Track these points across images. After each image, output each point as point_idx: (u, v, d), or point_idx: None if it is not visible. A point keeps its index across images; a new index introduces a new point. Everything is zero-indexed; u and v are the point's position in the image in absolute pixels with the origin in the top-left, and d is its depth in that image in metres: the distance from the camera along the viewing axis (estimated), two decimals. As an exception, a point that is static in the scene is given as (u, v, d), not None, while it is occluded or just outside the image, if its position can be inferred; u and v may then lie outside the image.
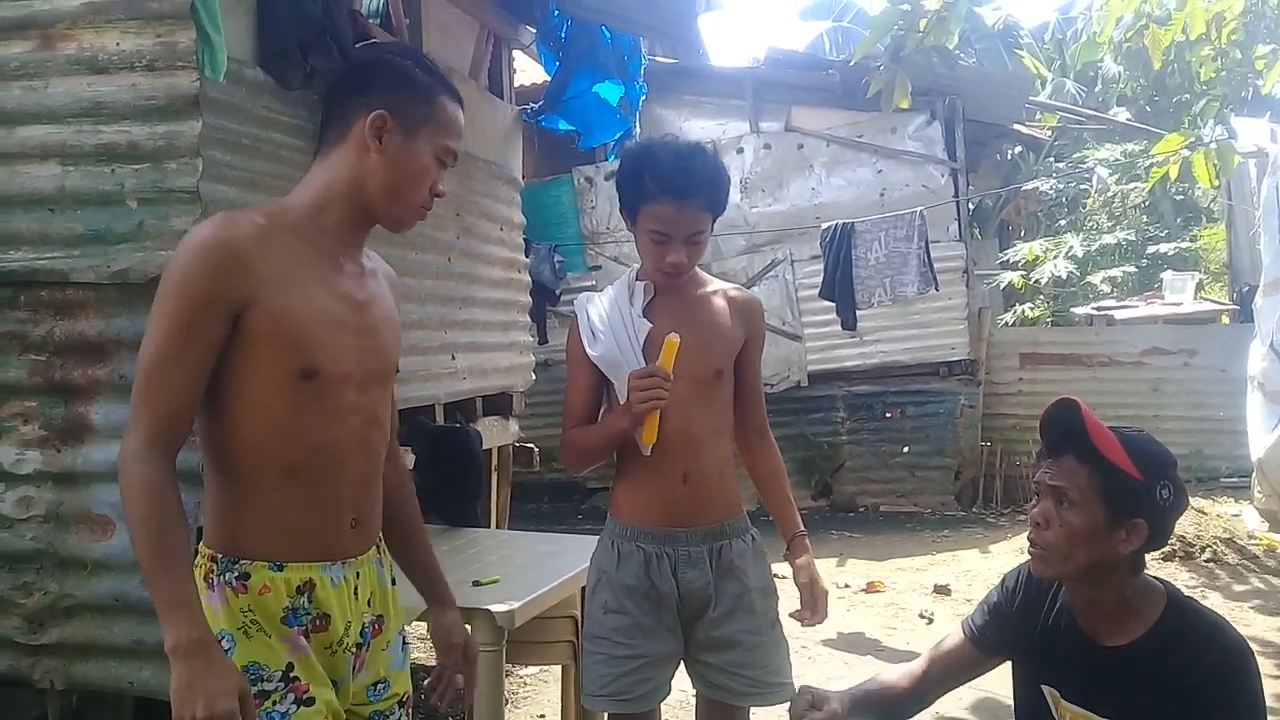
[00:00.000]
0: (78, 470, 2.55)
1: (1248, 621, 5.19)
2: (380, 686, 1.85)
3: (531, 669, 4.60)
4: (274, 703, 1.65)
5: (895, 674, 2.24)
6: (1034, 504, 2.01)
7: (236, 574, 1.65)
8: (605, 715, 2.52)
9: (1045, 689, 2.13)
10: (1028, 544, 2.01)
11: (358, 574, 1.79)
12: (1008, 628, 2.19)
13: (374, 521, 1.84)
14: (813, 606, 2.49)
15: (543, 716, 4.17)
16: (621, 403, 2.34)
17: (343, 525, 1.75)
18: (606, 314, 2.41)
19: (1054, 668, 2.11)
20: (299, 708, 1.67)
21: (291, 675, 1.67)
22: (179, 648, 1.54)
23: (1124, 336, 9.25)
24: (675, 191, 2.28)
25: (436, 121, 1.77)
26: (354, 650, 1.78)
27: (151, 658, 2.46)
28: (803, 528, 2.57)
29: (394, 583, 1.92)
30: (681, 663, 2.47)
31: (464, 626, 2.04)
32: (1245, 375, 7.29)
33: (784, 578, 2.49)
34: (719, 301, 2.48)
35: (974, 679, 2.29)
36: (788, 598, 2.54)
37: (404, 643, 1.95)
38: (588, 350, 2.40)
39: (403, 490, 2.00)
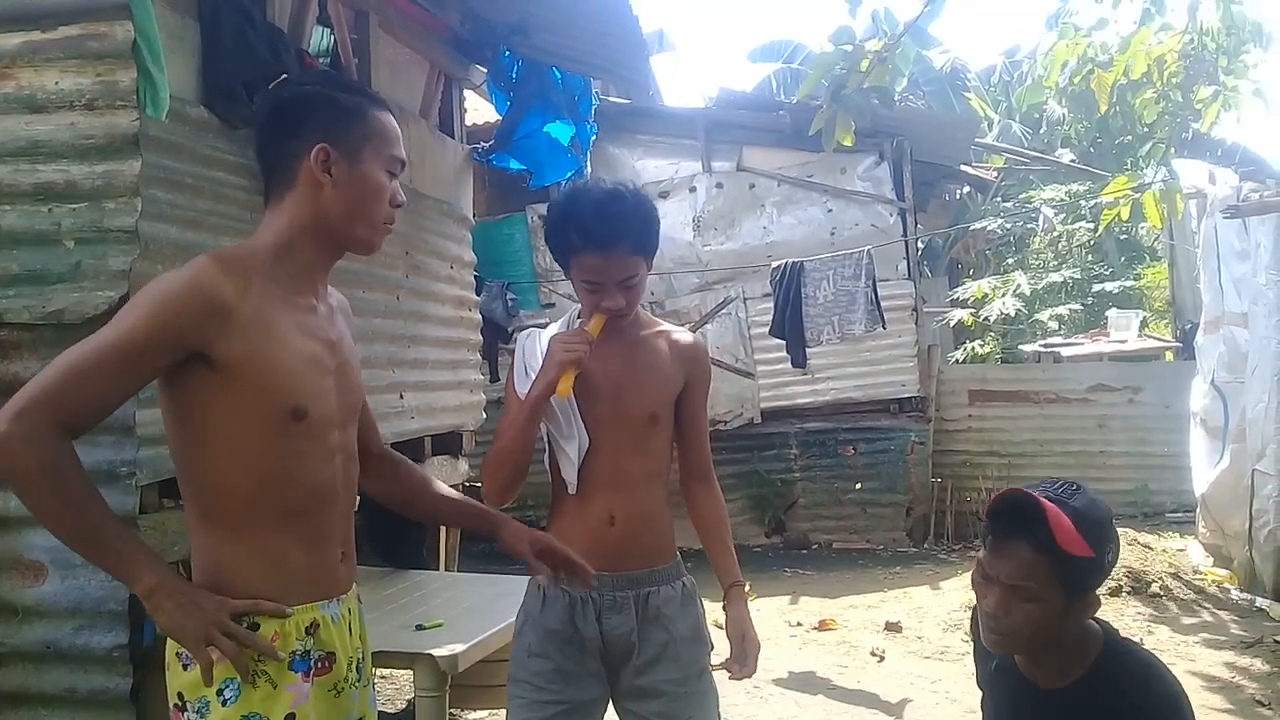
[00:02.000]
0: (10, 515, 2.49)
1: (1194, 656, 5.25)
2: None
3: (479, 713, 4.55)
4: None
5: None
6: (982, 590, 1.97)
7: (246, 624, 1.64)
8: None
9: None
10: (984, 629, 1.98)
11: (349, 610, 1.81)
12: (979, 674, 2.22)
13: (354, 553, 1.86)
14: (742, 660, 2.43)
15: (491, 761, 4.11)
16: (556, 437, 2.33)
17: (335, 559, 1.77)
18: (542, 351, 2.38)
19: (1000, 710, 2.12)
20: None
21: None
22: (156, 588, 1.58)
23: (1070, 374, 9.40)
24: (600, 242, 2.27)
25: (376, 137, 1.78)
26: (355, 686, 1.79)
27: (84, 705, 2.41)
28: (740, 578, 2.53)
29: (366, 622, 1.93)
30: (611, 706, 2.44)
31: (526, 529, 2.05)
32: (1188, 411, 7.42)
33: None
34: (660, 344, 2.46)
35: None
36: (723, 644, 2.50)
37: (374, 686, 1.96)
38: (518, 388, 2.37)
39: (419, 473, 2.08)
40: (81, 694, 2.40)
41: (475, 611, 3.01)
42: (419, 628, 2.81)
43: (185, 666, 1.64)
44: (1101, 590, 5.73)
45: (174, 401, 1.67)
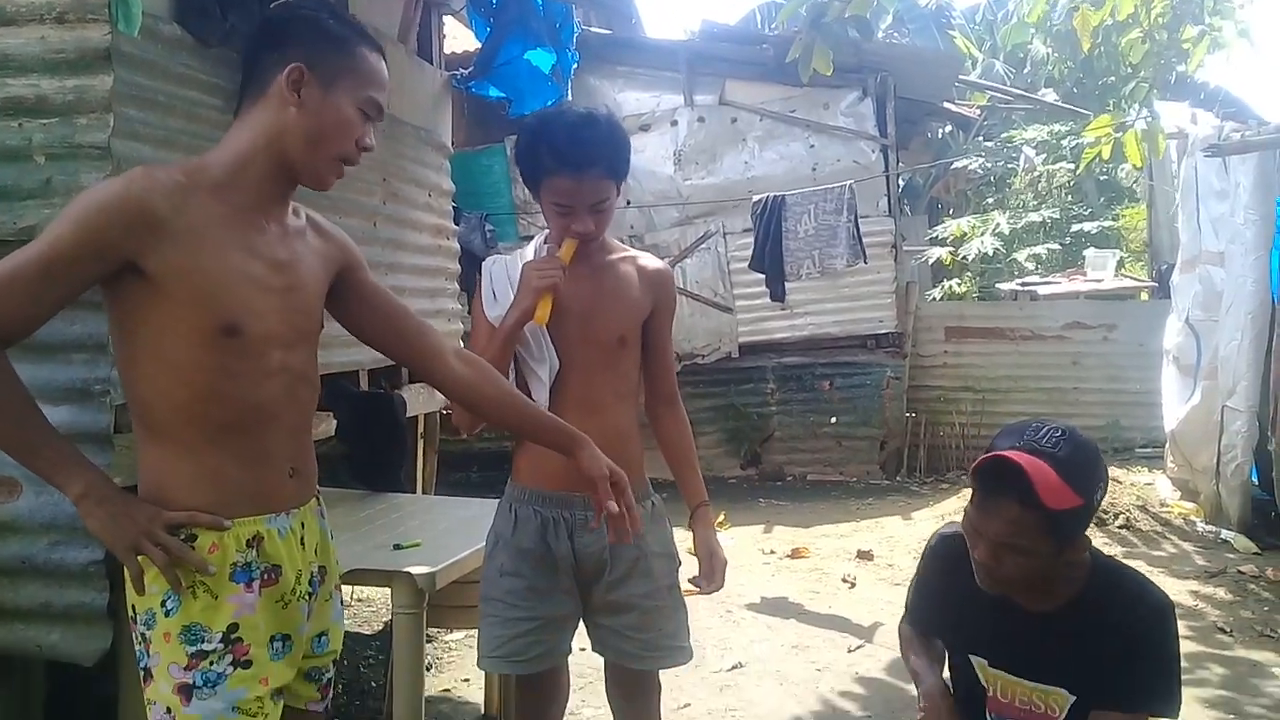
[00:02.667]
0: (-17, 431, 2.49)
1: (1158, 584, 5.36)
2: (322, 639, 1.89)
3: (456, 634, 4.61)
4: (211, 663, 1.66)
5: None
6: (973, 541, 1.99)
7: (183, 536, 1.65)
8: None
9: (972, 657, 2.17)
10: (979, 576, 2.01)
11: (302, 524, 1.81)
12: (934, 603, 2.24)
13: (311, 471, 1.86)
14: (710, 576, 2.52)
15: (467, 680, 4.18)
16: (527, 359, 2.37)
17: (282, 475, 1.77)
18: (510, 277, 2.42)
19: (980, 635, 2.14)
20: (236, 669, 1.68)
21: (233, 636, 1.68)
22: (88, 492, 1.61)
23: (1046, 311, 9.45)
24: (572, 163, 2.28)
25: (356, 73, 1.76)
26: (306, 599, 1.81)
27: (61, 620, 2.43)
28: (706, 499, 2.60)
29: (332, 536, 1.93)
30: (583, 624, 2.49)
31: (600, 459, 2.04)
32: (1161, 350, 7.49)
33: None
34: (627, 269, 2.50)
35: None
36: (690, 565, 2.56)
37: (341, 600, 1.98)
38: (485, 311, 2.41)
39: (487, 369, 2.04)
40: (58, 609, 2.41)
41: (452, 532, 3.04)
42: (396, 547, 2.84)
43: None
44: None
45: (114, 313, 1.68)
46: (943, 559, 2.15)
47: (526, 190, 2.46)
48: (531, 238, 2.62)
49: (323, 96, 1.72)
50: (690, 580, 2.53)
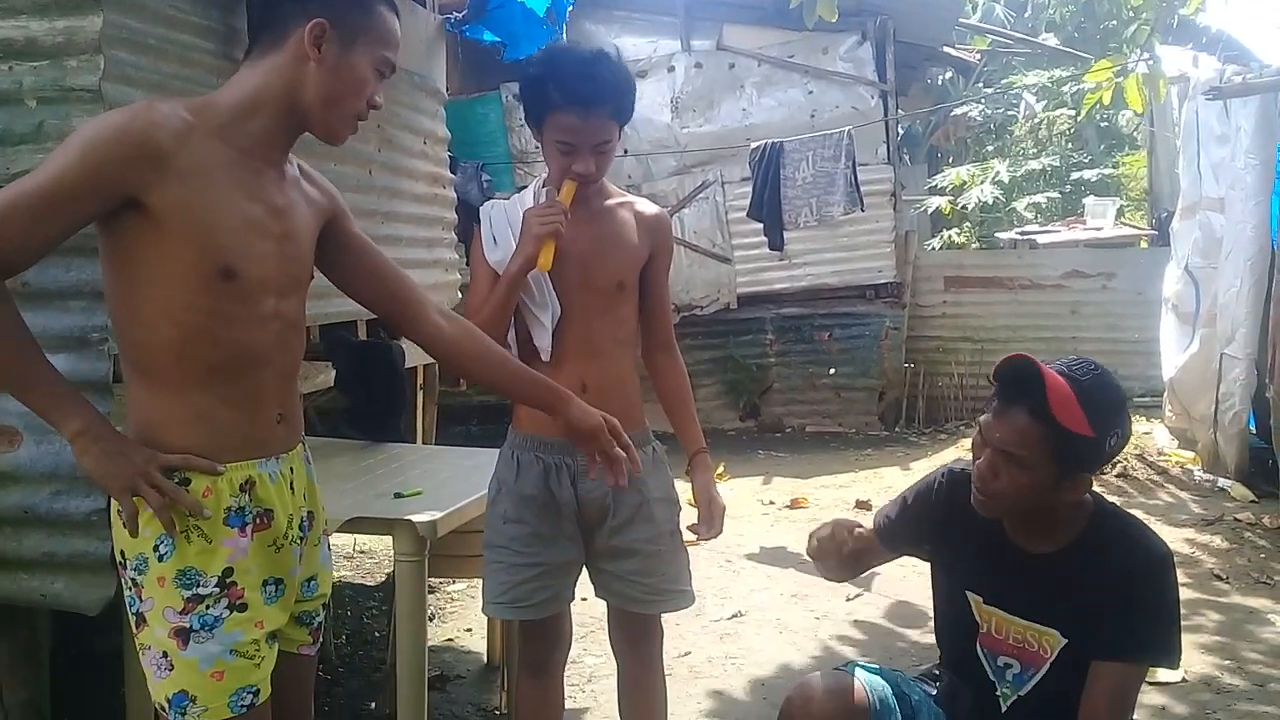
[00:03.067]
0: (-20, 381, 2.46)
1: (1157, 532, 5.38)
2: (312, 583, 1.89)
3: (459, 585, 4.63)
4: (207, 607, 1.66)
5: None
6: (978, 450, 2.00)
7: (177, 479, 1.64)
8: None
9: (968, 594, 2.17)
10: (973, 488, 2.00)
11: (291, 469, 1.81)
12: (921, 529, 2.23)
13: (297, 417, 1.85)
14: (709, 522, 2.54)
15: (469, 630, 4.20)
16: (529, 304, 2.36)
17: (270, 420, 1.76)
18: (510, 221, 2.40)
19: (977, 573, 2.14)
20: (232, 613, 1.68)
21: (228, 580, 1.68)
22: (83, 431, 1.59)
23: (1045, 260, 9.41)
24: (580, 100, 2.26)
25: (375, 32, 1.75)
26: (297, 543, 1.81)
27: (64, 569, 2.41)
28: (704, 444, 2.61)
29: (318, 482, 1.93)
30: (585, 571, 2.51)
31: (593, 412, 2.05)
32: (1161, 298, 7.47)
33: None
34: (625, 214, 2.49)
35: (876, 565, 2.39)
36: (689, 513, 2.57)
37: (329, 545, 1.98)
38: (486, 254, 2.40)
39: (470, 328, 2.05)
40: (61, 558, 2.40)
41: (453, 481, 3.03)
42: (397, 495, 2.82)
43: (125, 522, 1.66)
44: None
45: (109, 249, 1.66)
46: (948, 492, 2.12)
47: (523, 138, 2.45)
48: (527, 186, 2.60)
49: (341, 54, 1.72)
50: (689, 527, 2.54)
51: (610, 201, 2.48)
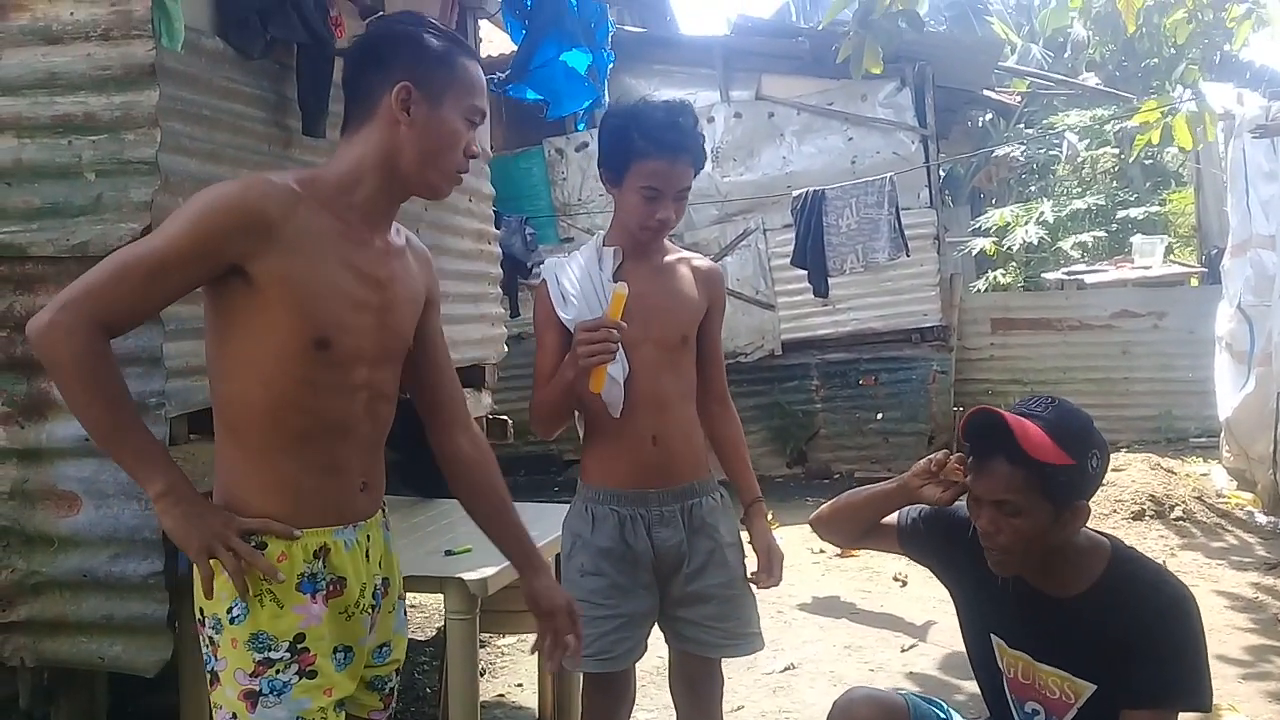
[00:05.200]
0: (42, 446, 2.52)
1: (1217, 577, 5.28)
2: (384, 649, 1.90)
3: (509, 639, 4.62)
4: (277, 672, 1.68)
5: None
6: (975, 512, 2.02)
7: (253, 543, 1.67)
8: (581, 679, 2.56)
9: (993, 636, 2.17)
10: (984, 550, 2.02)
11: (368, 536, 1.82)
12: (943, 554, 2.22)
13: (380, 485, 1.87)
14: (768, 570, 2.57)
15: (520, 685, 4.18)
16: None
17: (353, 489, 1.78)
18: (577, 278, 2.45)
19: (999, 616, 2.15)
20: (301, 679, 1.69)
21: (300, 646, 1.69)
22: (167, 492, 1.63)
23: (1094, 300, 9.32)
24: (668, 147, 2.33)
25: (460, 84, 1.78)
26: (369, 612, 1.81)
27: (122, 631, 2.45)
28: (759, 495, 2.65)
29: (394, 548, 1.95)
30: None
31: (560, 589, 2.08)
32: (1213, 336, 7.37)
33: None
34: (683, 269, 2.54)
35: (875, 550, 2.44)
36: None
37: (404, 611, 1.99)
38: (560, 313, 2.44)
39: (488, 460, 2.04)
40: (119, 620, 2.44)
41: (502, 538, 3.03)
42: (448, 553, 2.84)
43: None
44: (1124, 514, 5.82)
45: (213, 310, 1.71)
46: (976, 538, 2.10)
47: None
48: (570, 239, 2.64)
49: (431, 112, 1.74)
50: (750, 577, 2.56)
51: (669, 257, 2.54)
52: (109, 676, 2.98)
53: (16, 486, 2.47)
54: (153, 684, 2.74)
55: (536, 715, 3.87)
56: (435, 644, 4.46)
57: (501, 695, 4.13)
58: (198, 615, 1.73)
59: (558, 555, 3.14)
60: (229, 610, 1.67)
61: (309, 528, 1.71)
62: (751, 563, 2.57)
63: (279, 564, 1.68)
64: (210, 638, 1.71)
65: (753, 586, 2.57)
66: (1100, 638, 2.00)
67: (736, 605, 2.52)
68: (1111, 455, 6.94)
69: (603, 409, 2.40)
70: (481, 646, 4.29)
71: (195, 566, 1.68)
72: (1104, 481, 6.42)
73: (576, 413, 2.51)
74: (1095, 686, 2.03)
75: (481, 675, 4.15)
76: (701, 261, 2.61)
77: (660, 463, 2.44)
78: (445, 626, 2.74)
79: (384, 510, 1.90)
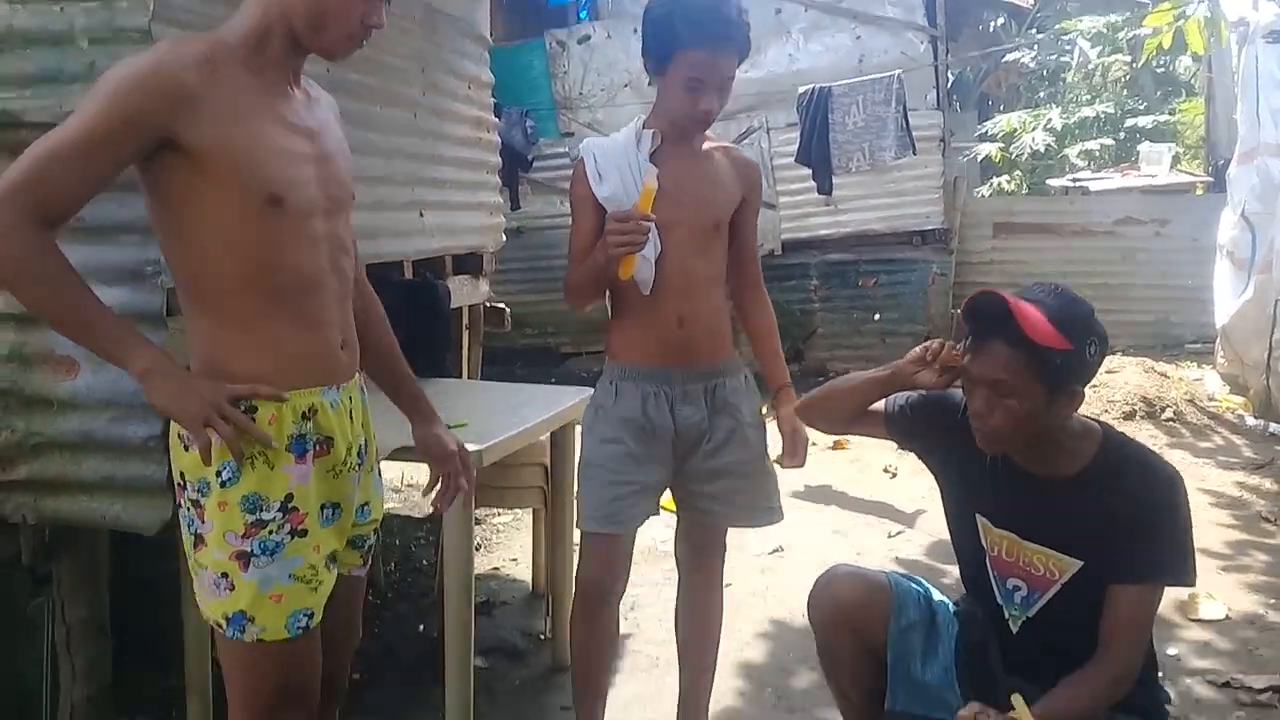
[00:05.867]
0: (40, 311, 2.54)
1: (1204, 476, 5.36)
2: (365, 509, 1.94)
3: (504, 517, 4.72)
4: (270, 532, 1.71)
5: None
6: (969, 391, 2.04)
7: (243, 408, 1.68)
8: (579, 547, 2.63)
9: (978, 517, 2.21)
10: (974, 430, 2.05)
11: (350, 398, 1.85)
12: (932, 438, 2.26)
13: (356, 344, 1.89)
14: (793, 452, 2.66)
15: (515, 560, 4.29)
16: None
17: (334, 346, 1.80)
18: (614, 158, 2.47)
19: (986, 496, 2.19)
20: (293, 539, 1.73)
21: (290, 506, 1.72)
22: (153, 369, 1.63)
23: (1097, 206, 9.26)
24: (712, 38, 2.33)
25: None
26: (355, 470, 1.85)
27: (122, 492, 2.50)
28: (788, 380, 2.71)
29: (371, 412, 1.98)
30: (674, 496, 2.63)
31: (450, 434, 2.11)
32: (1215, 245, 7.35)
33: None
34: (720, 158, 2.58)
35: (862, 435, 2.48)
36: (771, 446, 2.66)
37: (380, 473, 2.03)
38: (595, 190, 2.47)
39: (377, 313, 2.05)
40: (120, 481, 2.49)
41: (497, 414, 3.08)
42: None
43: (186, 447, 1.70)
44: (1115, 414, 5.90)
45: (153, 191, 1.69)
46: (965, 413, 2.12)
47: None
48: (571, 134, 2.63)
49: None
50: (775, 460, 2.65)
51: (708, 145, 2.56)
52: (110, 540, 3.05)
53: (15, 350, 2.49)
54: (153, 551, 2.82)
55: (530, 588, 3.98)
56: (432, 520, 4.56)
57: (496, 568, 4.24)
58: (178, 479, 1.74)
59: (553, 436, 3.20)
60: (218, 473, 1.69)
61: (295, 389, 1.73)
62: (775, 446, 2.64)
63: (269, 427, 1.70)
64: (194, 500, 1.72)
65: (775, 467, 2.65)
66: (1090, 517, 2.04)
67: (756, 480, 2.60)
68: (1106, 358, 6.99)
69: (633, 287, 2.45)
70: (477, 524, 4.39)
71: (176, 434, 1.70)
72: (1097, 382, 6.47)
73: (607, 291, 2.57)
74: (1081, 563, 2.08)
75: (477, 550, 4.26)
76: (741, 153, 2.66)
77: (685, 343, 2.49)
78: (439, 497, 2.79)
79: (360, 374, 1.92)
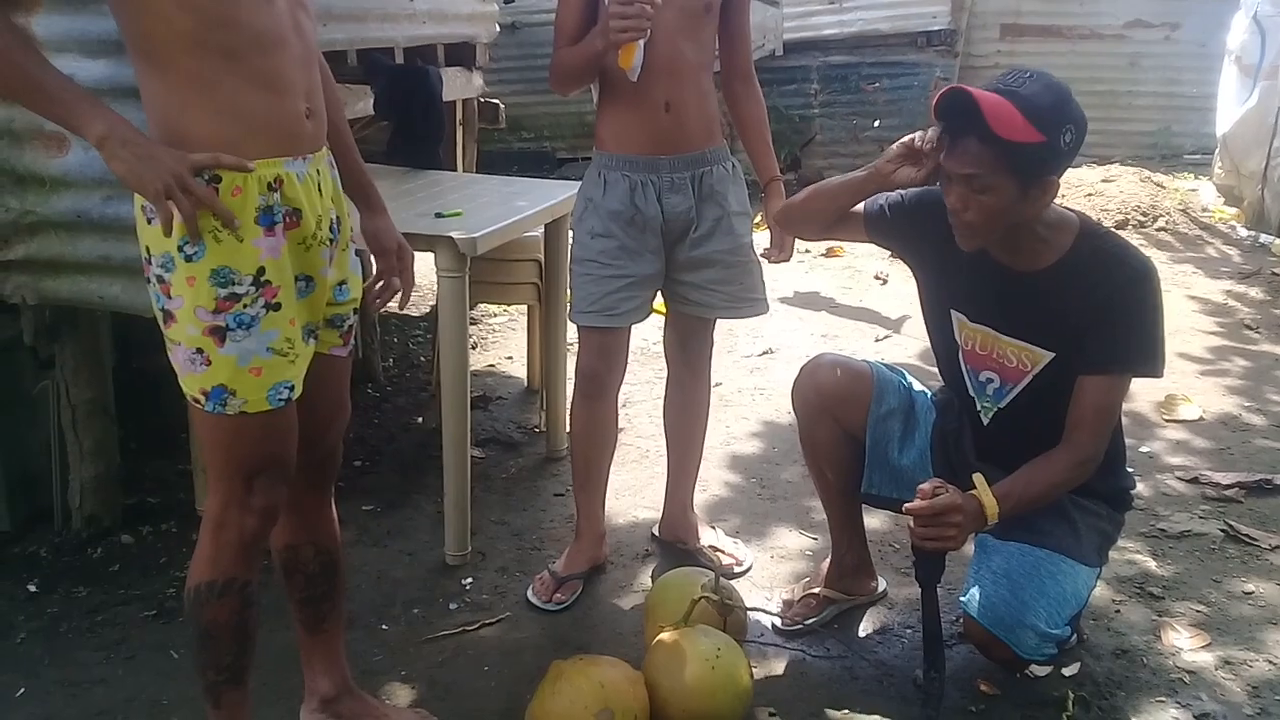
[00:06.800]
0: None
1: (1191, 284, 5.40)
2: (343, 287, 1.90)
3: (499, 317, 4.77)
4: (244, 306, 1.67)
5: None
6: (945, 188, 2.03)
7: (206, 178, 1.62)
8: (577, 341, 2.66)
9: (953, 312, 2.24)
10: (952, 227, 2.05)
11: (318, 171, 1.79)
12: (912, 234, 2.27)
13: (323, 115, 1.82)
14: (780, 245, 2.65)
15: (510, 358, 4.36)
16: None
17: (298, 113, 1.73)
18: None
19: (963, 292, 2.21)
20: (267, 312, 1.70)
21: (262, 279, 1.68)
22: (108, 135, 1.56)
23: (1108, 7, 8.94)
24: None
25: None
26: (327, 244, 1.81)
27: (121, 273, 2.50)
28: (778, 173, 2.68)
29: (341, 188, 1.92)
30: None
31: (396, 230, 2.08)
32: (1224, 51, 7.16)
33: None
34: None
35: (840, 240, 2.50)
36: (758, 240, 2.67)
37: (357, 252, 1.99)
38: None
39: (331, 93, 1.94)
40: (117, 261, 2.48)
41: (493, 205, 3.06)
42: (438, 215, 2.87)
43: (150, 221, 1.65)
44: (1108, 223, 5.85)
45: None
46: (938, 208, 2.13)
47: None
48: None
49: None
50: (762, 253, 2.64)
51: None
52: (113, 331, 3.08)
53: (3, 126, 2.45)
54: (154, 342, 2.85)
55: (525, 384, 4.06)
56: (429, 319, 4.61)
57: (491, 365, 4.31)
58: (143, 254, 1.70)
59: (547, 228, 3.19)
60: (179, 249, 1.64)
61: (260, 158, 1.66)
62: (762, 238, 2.63)
63: (233, 198, 1.64)
64: (159, 276, 1.68)
65: (762, 260, 2.64)
66: (1064, 308, 2.07)
67: (741, 270, 2.60)
68: (1103, 168, 6.87)
69: (620, 73, 2.39)
70: (473, 322, 4.44)
71: (139, 206, 1.66)
72: (1093, 190, 6.37)
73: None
74: (1053, 354, 2.13)
75: (474, 348, 4.34)
76: None
77: (672, 130, 2.45)
78: (436, 287, 2.82)
79: (328, 148, 1.86)
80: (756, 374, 4.27)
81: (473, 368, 3.77)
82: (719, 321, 2.80)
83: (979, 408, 2.27)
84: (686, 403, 2.84)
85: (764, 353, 4.50)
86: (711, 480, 3.30)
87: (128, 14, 1.62)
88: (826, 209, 2.33)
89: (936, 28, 8.31)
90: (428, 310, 4.76)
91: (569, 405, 2.75)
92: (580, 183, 2.63)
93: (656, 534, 2.96)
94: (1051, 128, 1.90)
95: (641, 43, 2.34)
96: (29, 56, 1.57)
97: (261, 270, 1.68)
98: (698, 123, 2.49)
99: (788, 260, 2.67)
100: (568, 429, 2.85)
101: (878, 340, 4.67)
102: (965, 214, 2.00)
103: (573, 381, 2.67)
